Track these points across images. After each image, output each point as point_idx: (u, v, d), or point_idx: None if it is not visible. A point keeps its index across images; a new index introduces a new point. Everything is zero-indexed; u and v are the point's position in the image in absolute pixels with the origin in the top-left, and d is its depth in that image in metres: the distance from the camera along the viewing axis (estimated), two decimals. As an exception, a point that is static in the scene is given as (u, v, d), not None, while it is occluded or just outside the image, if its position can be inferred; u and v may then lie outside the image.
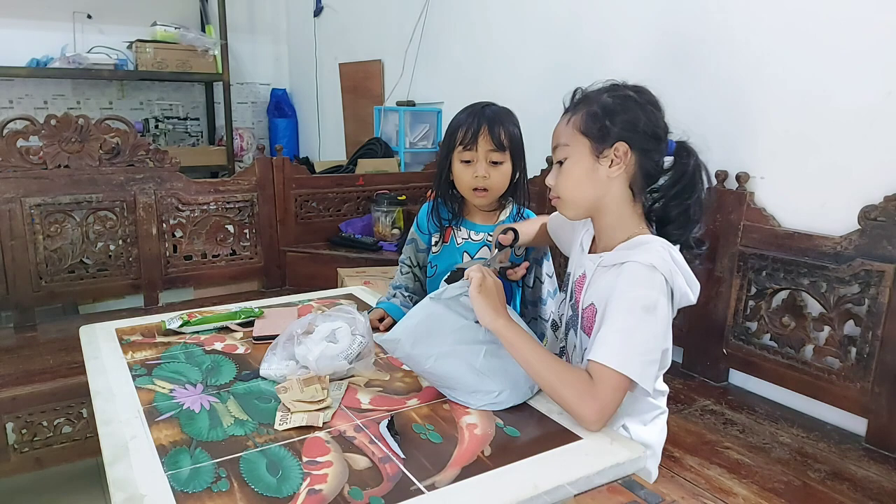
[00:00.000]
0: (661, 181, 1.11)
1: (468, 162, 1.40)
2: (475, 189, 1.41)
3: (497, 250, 1.29)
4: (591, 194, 1.10)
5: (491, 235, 1.46)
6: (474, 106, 1.44)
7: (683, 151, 1.10)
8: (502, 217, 1.49)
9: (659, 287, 1.02)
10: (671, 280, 1.03)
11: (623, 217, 1.11)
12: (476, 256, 1.47)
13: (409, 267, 1.56)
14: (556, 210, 1.21)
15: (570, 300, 1.20)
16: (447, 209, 1.49)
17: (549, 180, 1.14)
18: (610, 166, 1.07)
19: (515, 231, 1.33)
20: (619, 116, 1.06)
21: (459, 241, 1.48)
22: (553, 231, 1.38)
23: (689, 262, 1.09)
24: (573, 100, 1.14)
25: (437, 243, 1.51)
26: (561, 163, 1.12)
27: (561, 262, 2.36)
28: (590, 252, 1.17)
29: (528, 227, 1.41)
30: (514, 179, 1.45)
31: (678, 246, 1.09)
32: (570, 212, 1.15)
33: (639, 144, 1.06)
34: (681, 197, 1.09)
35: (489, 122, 1.38)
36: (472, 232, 1.48)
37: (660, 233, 1.12)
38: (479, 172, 1.39)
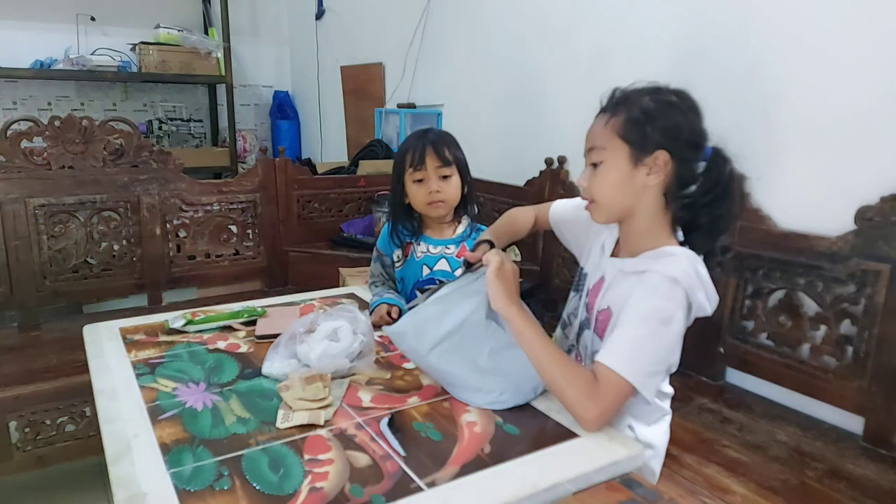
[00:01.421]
0: (693, 187, 1.06)
1: (420, 181, 1.50)
2: (430, 203, 1.50)
3: (464, 268, 1.20)
4: (626, 201, 1.07)
5: (447, 248, 1.56)
6: (417, 132, 1.56)
7: (720, 158, 1.05)
8: (459, 230, 1.59)
9: (678, 301, 1.00)
10: (691, 295, 1.02)
11: (654, 224, 1.08)
12: (435, 268, 1.56)
13: (384, 280, 1.64)
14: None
15: (584, 300, 1.19)
16: (406, 229, 1.59)
17: (582, 181, 1.10)
18: (648, 174, 1.03)
19: (491, 244, 1.24)
20: (660, 123, 1.02)
21: (419, 254, 1.57)
22: (557, 224, 1.35)
23: (712, 269, 1.06)
24: (611, 100, 1.08)
25: (399, 259, 1.61)
26: (595, 165, 1.08)
27: (560, 264, 2.37)
28: (612, 255, 1.16)
29: (506, 227, 1.38)
30: (464, 193, 1.55)
31: (702, 256, 1.07)
32: (602, 217, 1.11)
33: (679, 153, 1.02)
34: (712, 206, 1.05)
35: (433, 144, 1.50)
36: (430, 246, 1.58)
37: (685, 239, 1.09)
38: (433, 188, 1.49)
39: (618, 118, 1.05)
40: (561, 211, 1.35)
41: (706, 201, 1.05)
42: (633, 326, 1.00)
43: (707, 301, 1.04)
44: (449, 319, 1.09)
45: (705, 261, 1.07)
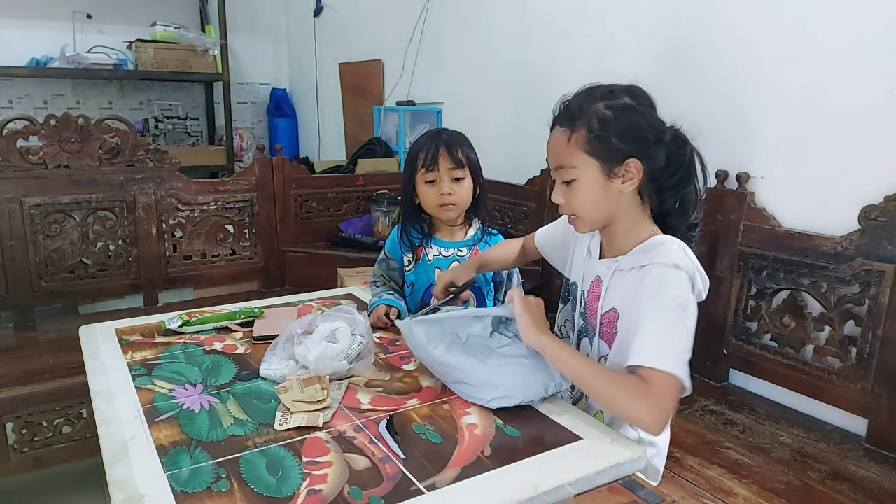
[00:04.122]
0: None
1: (432, 182, 1.48)
2: (442, 205, 1.48)
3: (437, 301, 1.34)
4: (606, 210, 1.08)
5: (460, 251, 1.55)
6: (430, 132, 1.53)
7: (679, 140, 1.06)
8: (470, 233, 1.57)
9: (686, 285, 1.01)
10: (692, 278, 1.03)
11: (635, 221, 1.09)
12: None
13: (385, 281, 1.62)
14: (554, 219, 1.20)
15: (579, 309, 1.18)
16: (416, 230, 1.56)
17: (557, 198, 1.10)
18: (623, 182, 1.04)
19: (454, 285, 1.36)
20: (623, 131, 1.02)
21: (431, 257, 1.55)
22: (542, 248, 1.38)
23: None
24: (566, 112, 1.07)
25: (410, 262, 1.58)
26: (567, 182, 1.08)
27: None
28: (600, 257, 1.16)
29: (498, 254, 1.44)
30: (476, 196, 1.53)
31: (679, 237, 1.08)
32: (587, 227, 1.13)
33: (646, 154, 1.03)
34: (678, 188, 1.07)
35: (446, 144, 1.47)
36: (442, 249, 1.56)
37: (660, 225, 1.10)
38: (444, 190, 1.47)
39: (579, 133, 1.04)
40: (543, 233, 1.38)
41: (673, 184, 1.07)
42: (657, 321, 0.99)
43: (702, 284, 1.06)
44: (461, 328, 1.13)
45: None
